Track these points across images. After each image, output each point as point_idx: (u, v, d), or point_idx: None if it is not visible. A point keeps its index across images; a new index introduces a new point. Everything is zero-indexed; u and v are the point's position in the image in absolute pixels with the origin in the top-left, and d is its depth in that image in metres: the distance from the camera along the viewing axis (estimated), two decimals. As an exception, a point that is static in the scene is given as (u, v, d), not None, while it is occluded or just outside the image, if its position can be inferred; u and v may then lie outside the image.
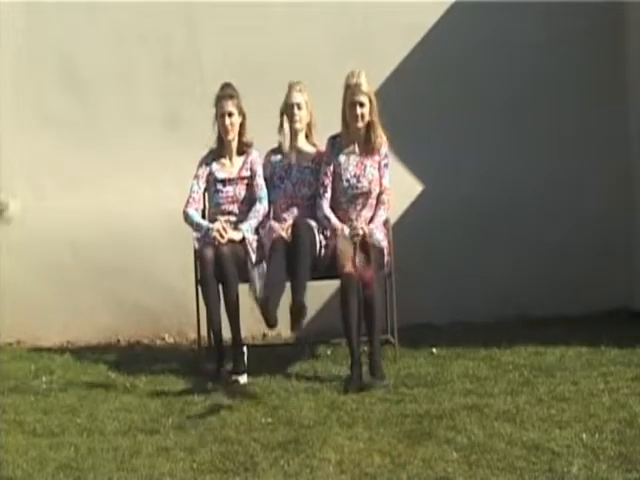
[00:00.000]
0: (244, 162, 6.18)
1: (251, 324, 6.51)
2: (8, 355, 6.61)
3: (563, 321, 6.73)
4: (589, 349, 6.05)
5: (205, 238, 5.90)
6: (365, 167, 6.03)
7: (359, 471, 4.21)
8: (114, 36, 7.02)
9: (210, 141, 6.21)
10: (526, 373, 5.60)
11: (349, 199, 6.03)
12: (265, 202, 6.12)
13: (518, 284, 6.99)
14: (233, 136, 6.16)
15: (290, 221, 5.95)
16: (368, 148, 6.03)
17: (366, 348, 5.72)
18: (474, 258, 7.01)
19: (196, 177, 6.18)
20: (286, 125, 6.20)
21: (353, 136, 6.04)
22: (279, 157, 6.25)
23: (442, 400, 5.13)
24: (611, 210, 7.08)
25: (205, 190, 6.19)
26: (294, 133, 6.20)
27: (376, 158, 6.04)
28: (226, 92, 6.12)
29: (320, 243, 5.94)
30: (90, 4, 6.96)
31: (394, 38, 6.98)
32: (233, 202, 6.12)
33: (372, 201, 6.03)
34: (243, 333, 5.94)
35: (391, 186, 6.07)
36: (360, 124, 5.97)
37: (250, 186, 6.14)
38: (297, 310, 5.48)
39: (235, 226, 6.01)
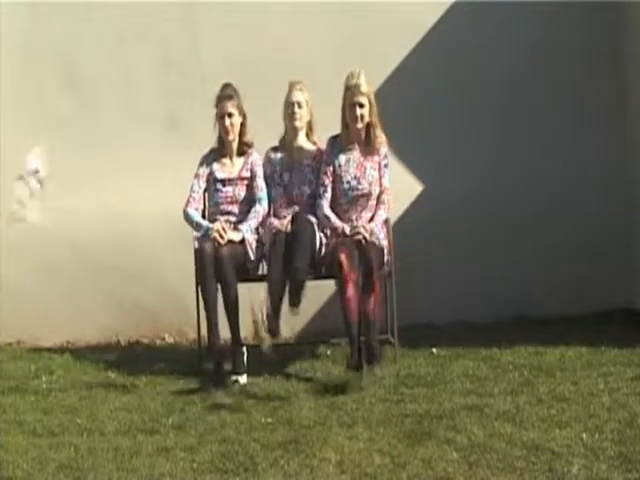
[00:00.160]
0: (244, 163, 6.18)
1: (251, 324, 6.52)
2: (8, 355, 6.61)
3: (563, 321, 6.73)
4: (589, 349, 6.05)
5: (205, 237, 5.90)
6: (365, 169, 6.04)
7: (359, 471, 4.22)
8: (114, 36, 7.02)
9: (211, 141, 6.21)
10: (526, 373, 5.60)
11: (349, 201, 6.04)
12: (265, 203, 6.12)
13: (518, 284, 6.99)
14: (233, 137, 6.16)
15: (289, 217, 5.96)
16: (368, 149, 6.04)
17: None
18: (474, 258, 7.01)
19: (196, 176, 6.18)
20: (287, 123, 6.21)
21: (353, 137, 6.05)
22: (279, 155, 6.26)
23: (442, 400, 5.13)
24: (611, 210, 7.08)
25: (205, 190, 6.20)
26: (294, 131, 6.21)
27: (376, 159, 6.05)
28: (226, 92, 6.12)
29: (320, 241, 5.95)
30: (90, 4, 6.95)
31: (394, 38, 6.98)
32: (232, 202, 6.13)
33: (372, 202, 6.04)
34: (243, 333, 5.94)
35: (391, 186, 6.09)
36: (360, 125, 5.98)
37: (250, 187, 6.15)
38: (295, 282, 5.53)
39: (235, 226, 6.02)
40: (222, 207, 6.12)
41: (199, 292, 5.85)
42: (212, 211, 6.16)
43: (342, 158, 6.06)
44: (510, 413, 4.86)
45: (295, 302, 5.62)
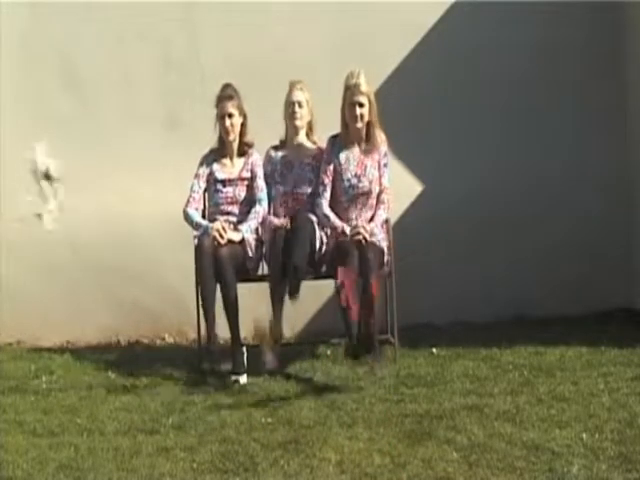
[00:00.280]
0: (245, 163, 6.18)
1: (251, 324, 6.53)
2: (8, 355, 6.61)
3: (563, 321, 6.74)
4: (589, 349, 6.05)
5: (205, 235, 5.89)
6: (366, 167, 6.05)
7: (359, 471, 4.22)
8: (114, 36, 7.01)
9: (211, 142, 6.21)
10: (526, 373, 5.60)
11: (350, 199, 6.04)
12: (265, 204, 6.12)
13: (518, 284, 6.99)
14: (234, 137, 6.16)
15: (289, 215, 5.97)
16: (368, 147, 6.06)
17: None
18: (474, 258, 7.01)
19: (197, 176, 6.19)
20: (287, 123, 6.22)
21: (353, 136, 6.06)
22: (280, 154, 6.27)
23: (442, 400, 5.14)
24: (611, 210, 7.08)
25: (205, 190, 6.20)
26: (295, 130, 6.22)
27: (376, 157, 6.07)
28: (226, 93, 6.12)
29: (321, 239, 5.96)
30: (90, 4, 6.95)
31: (394, 38, 6.98)
32: (232, 203, 6.13)
33: (372, 201, 6.05)
34: (243, 333, 5.95)
35: (390, 186, 6.09)
36: (359, 124, 6.00)
37: (250, 187, 6.15)
38: (294, 279, 5.57)
39: (235, 227, 6.02)
40: (222, 207, 6.12)
41: (198, 290, 5.85)
42: (212, 211, 6.16)
43: (342, 156, 6.07)
44: (510, 413, 4.86)
45: (294, 294, 5.65)
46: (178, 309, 6.77)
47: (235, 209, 6.12)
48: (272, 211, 6.16)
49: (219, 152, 6.22)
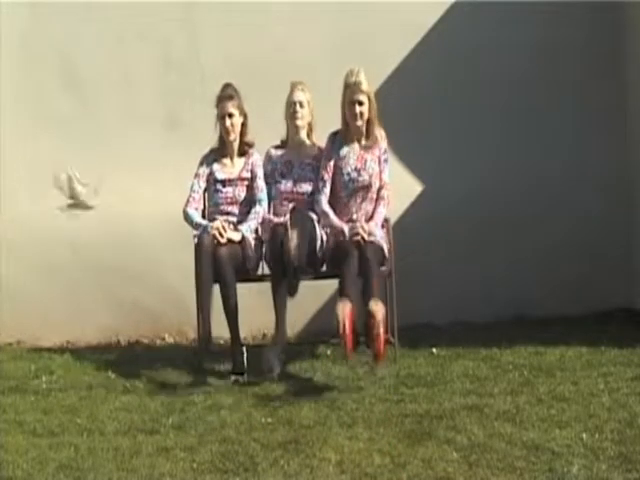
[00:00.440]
0: (245, 163, 6.18)
1: (251, 324, 6.53)
2: (8, 355, 6.61)
3: (563, 321, 6.74)
4: (589, 349, 6.05)
5: (204, 232, 5.88)
6: (366, 161, 6.07)
7: (359, 471, 4.22)
8: (114, 36, 7.02)
9: (211, 142, 6.22)
10: (526, 373, 5.60)
11: (350, 193, 6.06)
12: (265, 204, 6.13)
13: (518, 284, 6.99)
14: (234, 137, 6.16)
15: (289, 214, 5.98)
16: (368, 144, 6.08)
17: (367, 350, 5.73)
18: (474, 258, 7.01)
19: (197, 176, 6.19)
20: (288, 123, 6.23)
21: (353, 133, 6.09)
22: (280, 153, 6.27)
23: (442, 400, 5.13)
24: (611, 210, 7.08)
25: (205, 190, 6.20)
26: (296, 130, 6.23)
27: (376, 153, 6.10)
28: (227, 93, 6.12)
29: (321, 238, 5.97)
30: (90, 4, 6.95)
31: (394, 38, 6.98)
32: (232, 203, 6.13)
33: (372, 195, 6.07)
34: (243, 333, 5.95)
35: (390, 181, 6.10)
36: (359, 122, 6.02)
37: (250, 188, 6.15)
38: (293, 279, 5.60)
39: (234, 227, 6.02)
40: (222, 207, 6.12)
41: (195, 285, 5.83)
42: (212, 211, 6.16)
43: (342, 151, 6.10)
44: (510, 413, 4.86)
45: (292, 294, 5.68)
46: (178, 309, 6.77)
47: (235, 209, 6.12)
48: (272, 210, 6.16)
49: (219, 152, 6.22)
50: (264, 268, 6.11)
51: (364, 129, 6.07)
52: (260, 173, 6.17)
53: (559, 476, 4.05)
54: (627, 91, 7.01)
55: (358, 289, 5.59)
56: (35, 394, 5.59)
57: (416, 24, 7.00)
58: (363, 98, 5.97)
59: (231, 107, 6.09)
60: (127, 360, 6.31)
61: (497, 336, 6.41)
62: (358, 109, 5.98)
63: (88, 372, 6.08)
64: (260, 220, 6.09)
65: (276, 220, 6.00)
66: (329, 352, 6.30)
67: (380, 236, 5.94)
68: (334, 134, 6.15)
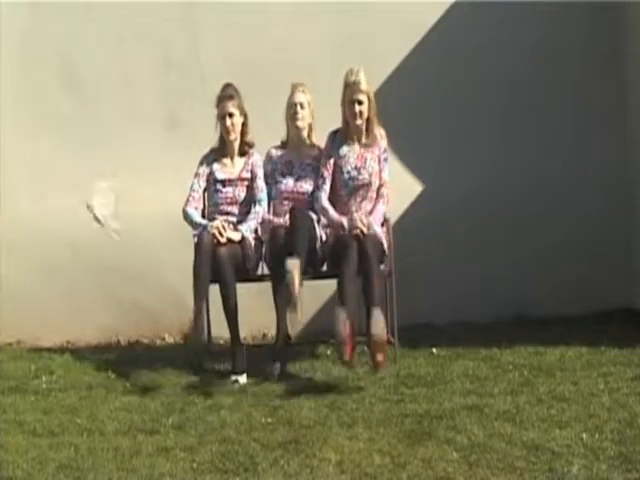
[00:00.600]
0: (245, 163, 6.19)
1: (251, 324, 6.54)
2: (8, 355, 6.61)
3: (563, 321, 6.74)
4: (589, 349, 6.05)
5: (204, 231, 5.88)
6: (366, 160, 6.09)
7: (359, 471, 4.22)
8: (114, 36, 7.02)
9: (211, 142, 6.22)
10: (526, 373, 5.60)
11: (350, 191, 6.08)
12: (264, 204, 6.13)
13: (518, 284, 6.99)
14: (235, 136, 6.16)
15: (289, 214, 5.98)
16: (367, 143, 6.10)
17: (365, 349, 5.75)
18: (474, 258, 7.01)
19: (197, 175, 6.19)
20: (289, 124, 6.23)
21: (353, 132, 6.11)
22: (280, 153, 6.28)
23: (442, 400, 5.14)
24: (611, 210, 7.08)
25: (205, 189, 6.20)
26: (296, 131, 6.23)
27: (376, 152, 6.12)
28: (227, 92, 6.12)
29: (320, 238, 5.97)
30: (90, 4, 6.95)
31: (394, 38, 6.98)
32: (232, 203, 6.13)
33: (372, 194, 6.08)
34: (243, 333, 5.95)
35: (390, 180, 6.11)
36: (359, 121, 6.04)
37: (250, 188, 6.15)
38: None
39: (234, 227, 6.02)
40: (222, 207, 6.12)
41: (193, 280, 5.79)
42: (211, 211, 6.16)
43: (342, 150, 6.12)
44: (510, 413, 4.86)
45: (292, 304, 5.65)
46: (178, 309, 6.77)
47: (235, 209, 6.13)
48: (272, 210, 6.17)
49: (220, 152, 6.22)
50: (264, 268, 6.11)
51: (364, 128, 6.09)
52: (260, 173, 6.18)
53: (559, 476, 4.05)
54: (627, 91, 7.01)
55: (358, 289, 5.61)
56: (35, 394, 5.59)
57: (416, 24, 7.00)
58: (363, 97, 5.98)
59: (231, 107, 6.10)
60: (127, 360, 6.31)
61: (497, 336, 6.41)
62: (358, 108, 6.00)
63: (88, 372, 6.08)
64: (260, 220, 6.10)
65: (276, 221, 6.00)
66: (329, 352, 6.30)
67: (380, 231, 5.94)
68: (334, 133, 6.17)
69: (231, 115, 6.11)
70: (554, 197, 7.10)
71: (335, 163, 6.11)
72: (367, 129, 6.08)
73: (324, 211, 6.04)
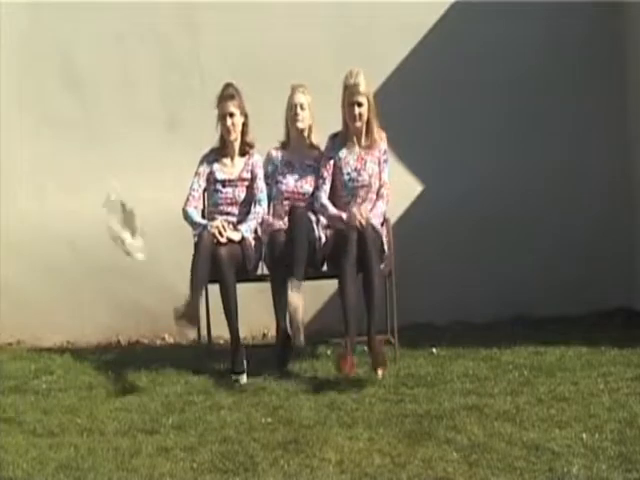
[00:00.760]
0: (245, 164, 6.19)
1: (251, 324, 6.53)
2: (8, 355, 6.61)
3: (563, 321, 6.74)
4: (589, 349, 6.05)
5: (204, 230, 5.88)
6: (365, 162, 6.11)
7: (359, 471, 4.22)
8: (114, 36, 7.01)
9: (211, 142, 6.22)
10: (526, 373, 5.60)
11: (350, 192, 6.10)
12: (264, 204, 6.13)
13: (518, 284, 6.98)
14: (235, 136, 6.16)
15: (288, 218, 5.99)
16: (367, 145, 6.10)
17: (365, 348, 5.78)
18: (474, 258, 7.01)
19: (197, 175, 6.19)
20: (289, 125, 6.23)
21: (353, 134, 6.11)
22: (281, 154, 6.28)
23: (442, 400, 5.13)
24: (611, 210, 7.08)
25: (205, 189, 6.20)
26: (297, 133, 6.23)
27: (376, 154, 6.13)
28: (228, 92, 6.12)
29: (319, 238, 5.97)
30: (90, 4, 6.95)
31: (394, 38, 6.98)
32: (232, 204, 6.13)
33: (372, 195, 6.10)
34: (243, 333, 5.95)
35: (389, 181, 6.12)
36: (359, 123, 6.05)
37: (250, 188, 6.15)
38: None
39: (234, 227, 6.02)
40: (221, 208, 6.12)
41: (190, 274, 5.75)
42: (211, 211, 6.16)
43: (342, 152, 6.13)
44: (510, 413, 4.86)
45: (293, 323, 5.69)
46: (178, 309, 6.76)
47: (234, 209, 6.12)
48: (272, 211, 6.17)
49: (220, 152, 6.22)
50: (263, 268, 6.11)
51: (364, 130, 6.09)
52: (260, 174, 6.18)
53: (559, 476, 4.05)
54: (627, 91, 7.01)
55: (357, 290, 5.67)
56: (35, 394, 5.59)
57: (416, 24, 7.00)
58: (362, 99, 5.99)
59: (232, 107, 6.09)
60: (127, 360, 6.31)
61: (497, 336, 6.41)
62: (357, 110, 6.00)
63: (88, 372, 6.08)
64: (260, 220, 6.09)
65: (276, 225, 5.99)
66: (329, 352, 6.30)
67: (379, 226, 5.95)
68: (334, 135, 6.18)
69: (232, 115, 6.10)
70: (554, 197, 7.09)
71: (335, 165, 6.12)
72: (367, 131, 6.09)
73: (323, 208, 6.05)
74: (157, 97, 7.06)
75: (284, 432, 4.74)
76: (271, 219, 6.10)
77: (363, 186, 6.08)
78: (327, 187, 6.12)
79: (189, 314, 5.63)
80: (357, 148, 6.13)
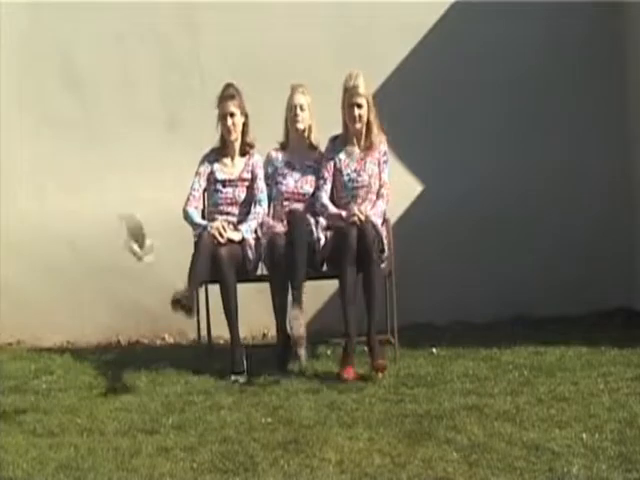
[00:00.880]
0: (245, 164, 6.19)
1: (251, 324, 6.53)
2: (8, 355, 6.61)
3: (563, 321, 6.74)
4: (589, 349, 6.05)
5: (204, 232, 5.88)
6: (365, 163, 6.12)
7: (359, 471, 4.21)
8: (114, 36, 7.01)
9: (211, 142, 6.22)
10: (526, 373, 5.60)
11: (350, 193, 6.11)
12: (265, 204, 6.13)
13: (518, 284, 6.98)
14: (236, 136, 6.16)
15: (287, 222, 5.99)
16: (367, 146, 6.11)
17: (365, 348, 5.79)
18: (474, 258, 7.01)
19: (197, 174, 6.19)
20: (289, 126, 6.23)
21: (352, 136, 6.11)
22: (281, 155, 6.27)
23: (442, 400, 5.13)
24: (611, 210, 7.08)
25: (205, 189, 6.20)
26: (296, 134, 6.23)
27: (375, 155, 6.14)
28: (228, 92, 6.12)
29: (319, 241, 5.97)
30: (90, 4, 6.95)
31: (394, 38, 6.98)
32: (232, 204, 6.13)
33: (372, 195, 6.11)
34: (243, 333, 5.95)
35: (389, 181, 6.13)
36: (358, 125, 6.06)
37: (250, 188, 6.15)
38: (296, 290, 5.68)
39: (234, 227, 6.02)
40: (221, 208, 6.12)
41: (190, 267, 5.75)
42: (211, 211, 6.16)
43: (342, 154, 6.14)
44: (510, 413, 4.86)
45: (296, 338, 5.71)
46: (178, 309, 6.75)
47: (235, 210, 6.12)
48: (272, 212, 6.16)
49: (220, 152, 6.22)
50: (263, 268, 6.11)
51: (363, 131, 6.09)
52: (260, 174, 6.18)
53: (559, 476, 4.05)
54: (627, 91, 7.01)
55: (357, 292, 5.71)
56: (35, 394, 5.59)
57: (416, 24, 7.00)
58: (361, 101, 6.01)
59: (232, 106, 6.09)
60: (127, 360, 6.31)
61: (497, 336, 6.41)
62: (357, 112, 6.02)
63: (88, 372, 6.08)
64: (260, 220, 6.09)
65: (275, 226, 5.98)
66: (329, 352, 6.30)
67: (379, 224, 5.96)
68: (334, 138, 6.19)
69: (232, 115, 6.10)
70: (554, 197, 7.09)
71: (335, 166, 6.13)
72: (367, 133, 6.10)
73: (324, 208, 6.06)
74: (157, 97, 7.06)
75: (284, 432, 4.73)
76: (271, 221, 6.10)
77: (363, 186, 6.09)
78: (328, 187, 6.13)
79: (185, 305, 5.61)
80: (357, 149, 6.13)
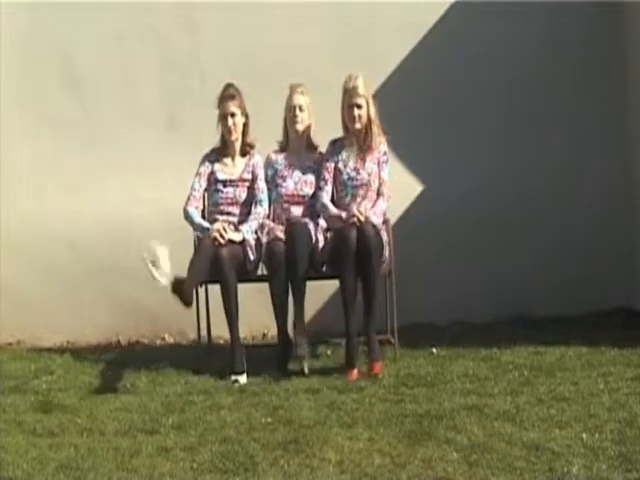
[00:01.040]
0: (246, 164, 6.19)
1: (251, 324, 6.53)
2: (8, 355, 6.61)
3: (563, 321, 6.74)
4: (589, 349, 6.05)
5: (205, 234, 5.89)
6: (365, 162, 6.13)
7: (359, 471, 4.21)
8: (114, 36, 7.01)
9: (211, 142, 6.21)
10: (526, 373, 5.60)
11: (349, 192, 6.11)
12: (265, 204, 6.13)
13: (518, 284, 6.98)
14: (236, 136, 6.16)
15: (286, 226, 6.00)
16: (367, 146, 6.11)
17: (365, 348, 5.80)
18: (474, 258, 7.01)
19: (198, 174, 6.19)
20: (288, 127, 6.23)
21: (352, 137, 6.10)
22: (280, 157, 6.27)
23: (442, 400, 5.13)
24: (611, 210, 7.08)
25: (205, 189, 6.20)
26: (296, 135, 6.23)
27: (375, 155, 6.15)
28: (228, 92, 6.12)
29: (318, 242, 5.97)
30: (90, 4, 6.95)
31: (394, 38, 6.98)
32: (232, 204, 6.13)
33: (372, 194, 6.11)
34: (243, 333, 5.95)
35: (390, 181, 6.13)
36: (358, 125, 6.07)
37: (251, 188, 6.15)
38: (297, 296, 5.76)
39: (235, 227, 6.02)
40: (222, 208, 6.12)
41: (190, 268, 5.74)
42: (211, 211, 6.16)
43: (342, 154, 6.15)
44: (510, 413, 4.86)
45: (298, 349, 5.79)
46: (178, 309, 6.72)
47: (235, 210, 6.12)
48: (273, 214, 6.16)
49: (221, 152, 6.22)
50: (263, 269, 6.10)
51: (363, 132, 6.09)
52: (261, 174, 6.18)
53: (559, 476, 4.05)
54: (627, 91, 7.01)
55: (357, 294, 5.74)
56: (35, 394, 5.59)
57: (416, 24, 7.00)
58: (361, 101, 6.01)
59: (233, 107, 6.09)
60: (127, 360, 6.31)
61: (497, 336, 6.41)
62: (356, 112, 6.03)
63: (88, 372, 6.08)
64: (261, 221, 6.09)
65: (276, 229, 5.97)
66: (329, 352, 6.30)
67: (379, 224, 5.96)
68: (334, 141, 6.20)
69: (232, 115, 6.10)
70: (554, 197, 7.09)
71: (335, 167, 6.14)
72: (366, 133, 6.09)
73: (324, 208, 6.07)
74: (157, 97, 7.06)
75: (284, 432, 4.73)
76: (272, 223, 6.09)
77: (362, 185, 6.09)
78: (329, 188, 6.13)
79: (183, 295, 5.64)
80: (357, 149, 6.13)
